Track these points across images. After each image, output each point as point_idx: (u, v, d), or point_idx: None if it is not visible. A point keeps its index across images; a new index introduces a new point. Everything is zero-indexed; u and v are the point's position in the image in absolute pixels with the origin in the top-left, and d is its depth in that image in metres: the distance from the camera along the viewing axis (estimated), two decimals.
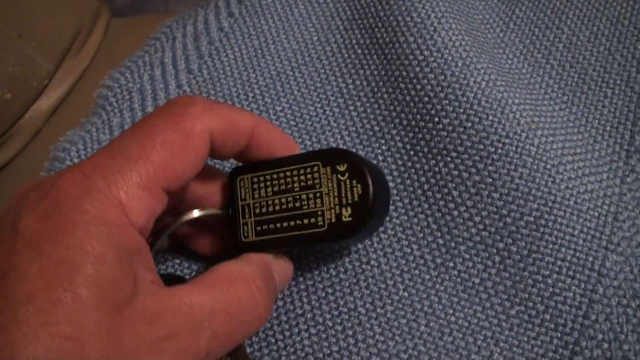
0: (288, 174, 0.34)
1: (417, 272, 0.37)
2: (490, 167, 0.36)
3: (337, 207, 0.32)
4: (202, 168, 0.30)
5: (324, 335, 0.36)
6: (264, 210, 0.34)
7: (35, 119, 0.48)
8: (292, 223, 0.33)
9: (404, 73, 0.40)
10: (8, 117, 0.46)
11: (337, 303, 0.36)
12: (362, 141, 0.41)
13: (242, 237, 0.34)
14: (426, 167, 0.38)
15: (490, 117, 0.37)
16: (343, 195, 0.32)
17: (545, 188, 0.36)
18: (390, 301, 0.36)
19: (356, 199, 0.32)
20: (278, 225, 0.33)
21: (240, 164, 0.36)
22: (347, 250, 0.38)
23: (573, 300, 0.34)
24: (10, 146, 0.47)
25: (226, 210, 0.35)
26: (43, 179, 0.27)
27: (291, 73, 0.44)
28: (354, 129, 0.41)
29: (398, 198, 0.39)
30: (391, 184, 0.39)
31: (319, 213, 0.33)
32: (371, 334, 0.35)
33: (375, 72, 0.42)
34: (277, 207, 0.34)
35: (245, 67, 0.45)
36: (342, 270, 0.37)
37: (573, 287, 0.34)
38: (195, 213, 0.34)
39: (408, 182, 0.39)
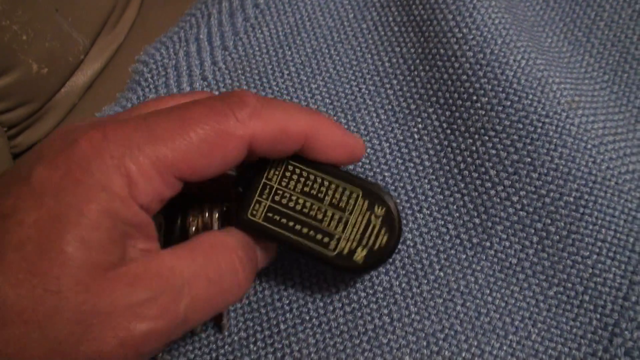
0: (326, 183, 0.33)
1: (453, 251, 0.36)
2: (530, 147, 0.36)
3: (355, 243, 0.32)
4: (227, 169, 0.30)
5: (359, 314, 0.35)
6: (284, 201, 0.33)
7: (71, 94, 0.48)
8: (304, 230, 0.32)
9: (441, 51, 0.40)
10: (45, 92, 0.46)
11: (372, 282, 0.36)
12: (397, 119, 0.40)
13: (249, 214, 0.33)
14: (463, 146, 0.38)
15: (530, 96, 0.37)
16: (367, 235, 0.32)
17: (586, 168, 0.35)
18: (426, 281, 0.36)
19: (376, 247, 0.32)
20: (290, 223, 0.32)
21: None
22: None
23: (613, 282, 0.34)
24: (47, 121, 0.47)
25: (241, 180, 0.34)
26: (73, 126, 0.28)
27: (327, 51, 0.44)
28: (389, 107, 0.41)
29: (434, 177, 0.38)
30: (427, 163, 0.39)
31: (336, 237, 0.32)
32: (407, 313, 0.35)
33: (412, 50, 0.42)
34: (299, 207, 0.33)
35: (280, 44, 0.44)
36: None
37: (613, 269, 0.34)
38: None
39: (444, 161, 0.38)
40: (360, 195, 0.33)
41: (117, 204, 0.25)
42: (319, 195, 0.33)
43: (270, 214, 0.32)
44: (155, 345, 0.26)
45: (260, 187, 0.33)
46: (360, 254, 0.32)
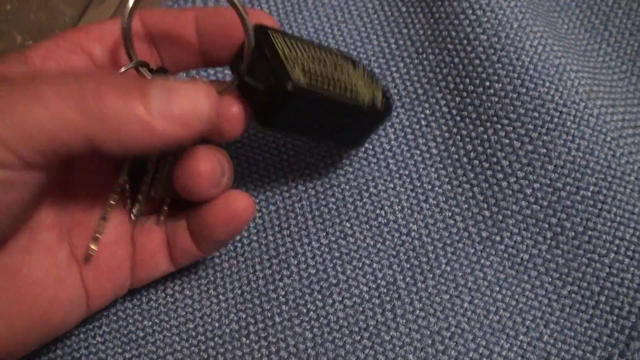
0: (317, 50, 0.31)
1: (460, 245, 0.34)
2: (545, 137, 0.34)
3: (368, 93, 0.32)
4: None
5: (360, 309, 0.33)
6: (310, 66, 0.29)
7: None
8: (337, 90, 0.30)
9: (452, 33, 0.38)
10: None
11: (374, 275, 0.34)
12: (404, 104, 0.38)
13: (293, 80, 0.27)
14: (473, 134, 0.36)
15: (547, 84, 0.35)
16: (369, 85, 0.33)
17: (605, 162, 0.33)
18: (431, 275, 0.34)
19: (380, 92, 0.34)
20: (325, 86, 0.29)
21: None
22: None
23: (631, 282, 0.32)
24: None
25: (239, 62, 0.29)
26: None
27: (330, 31, 0.42)
28: (395, 91, 0.39)
29: (441, 166, 0.36)
30: (434, 151, 0.37)
31: (354, 90, 0.31)
32: (411, 309, 0.33)
33: (421, 32, 0.39)
34: (321, 70, 0.30)
35: (281, 24, 0.42)
36: (381, 240, 0.35)
37: (632, 268, 0.32)
38: None
39: (453, 149, 0.36)
40: (339, 56, 0.33)
41: None
42: (322, 59, 0.31)
43: (309, 79, 0.29)
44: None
45: (282, 54, 0.28)
46: (379, 101, 0.33)
